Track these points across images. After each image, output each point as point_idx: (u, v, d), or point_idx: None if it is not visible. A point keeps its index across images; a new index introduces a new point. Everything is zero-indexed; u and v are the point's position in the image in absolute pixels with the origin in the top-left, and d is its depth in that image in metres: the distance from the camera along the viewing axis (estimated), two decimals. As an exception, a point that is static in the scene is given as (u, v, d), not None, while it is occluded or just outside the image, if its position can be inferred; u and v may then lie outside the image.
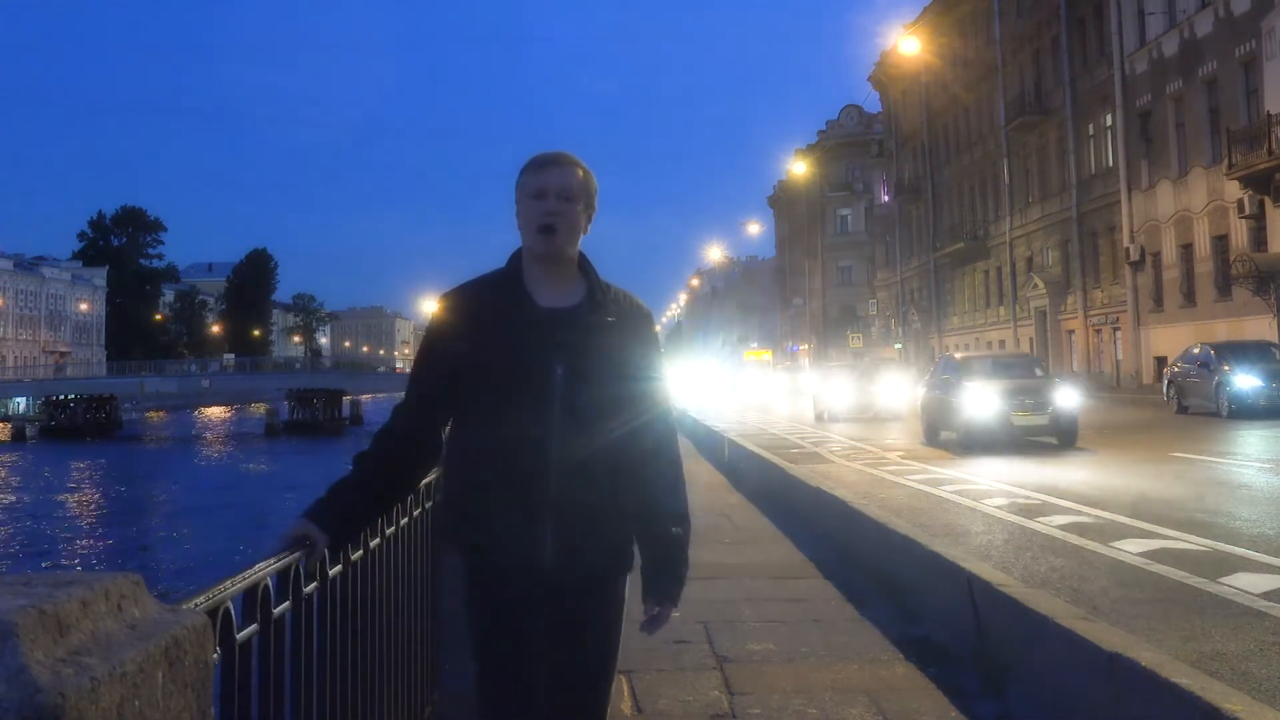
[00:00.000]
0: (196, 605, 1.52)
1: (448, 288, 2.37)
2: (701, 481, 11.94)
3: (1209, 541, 7.15)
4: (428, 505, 3.18)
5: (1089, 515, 8.56)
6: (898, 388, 24.91)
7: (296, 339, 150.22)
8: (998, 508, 9.26)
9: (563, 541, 2.18)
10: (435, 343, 2.30)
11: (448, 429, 2.34)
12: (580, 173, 2.28)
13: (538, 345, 2.19)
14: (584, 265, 2.32)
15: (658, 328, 2.49)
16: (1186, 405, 21.27)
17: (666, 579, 2.30)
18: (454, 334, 2.25)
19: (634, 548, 2.31)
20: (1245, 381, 19.52)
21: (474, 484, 2.23)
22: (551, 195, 2.23)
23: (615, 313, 2.28)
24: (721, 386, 57.15)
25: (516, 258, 2.30)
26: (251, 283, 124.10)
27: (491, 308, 2.24)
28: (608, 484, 2.22)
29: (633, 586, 2.35)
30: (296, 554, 2.03)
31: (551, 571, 2.19)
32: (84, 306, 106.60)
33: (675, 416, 2.40)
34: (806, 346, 75.53)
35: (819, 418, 24.54)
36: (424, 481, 3.10)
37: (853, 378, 25.75)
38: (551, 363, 2.18)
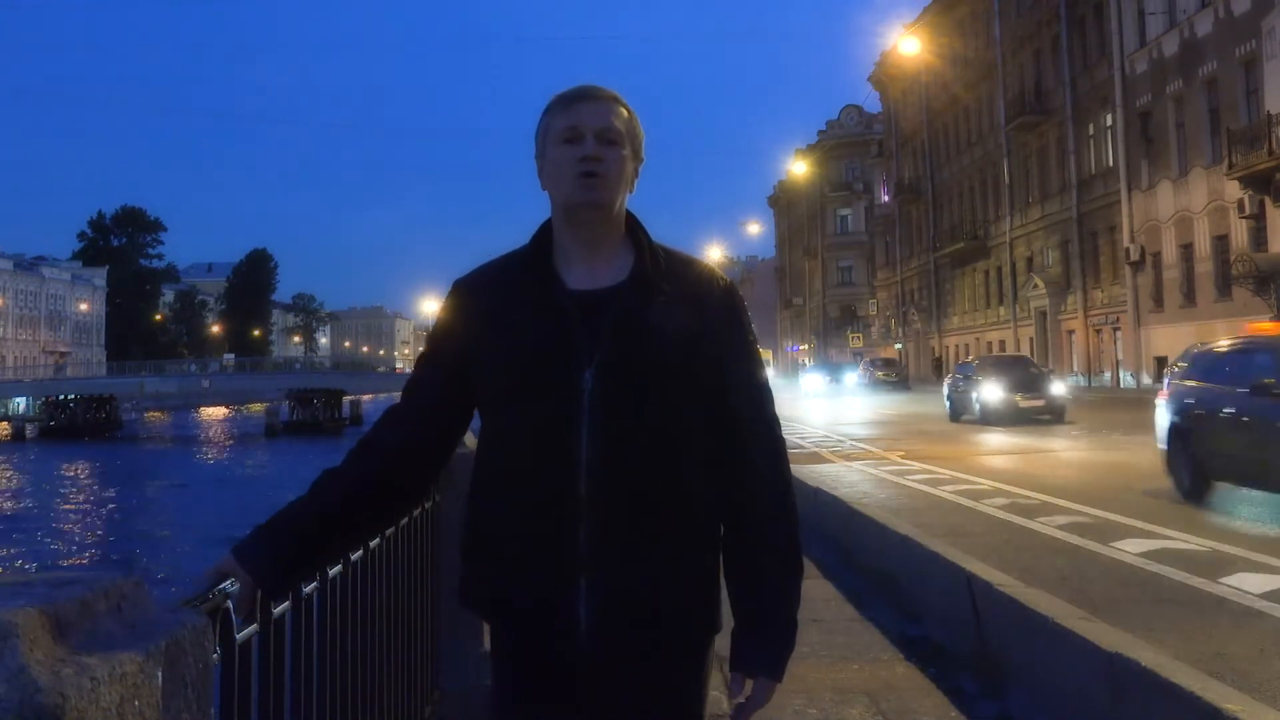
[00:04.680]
0: (196, 605, 1.52)
1: (457, 277, 1.86)
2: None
3: (1209, 541, 7.14)
4: (427, 505, 3.17)
5: (1089, 515, 8.56)
6: None
7: (296, 339, 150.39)
8: (998, 508, 9.25)
9: (601, 605, 1.66)
10: (438, 340, 1.82)
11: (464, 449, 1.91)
12: (623, 111, 1.77)
13: (560, 340, 1.68)
14: (634, 230, 1.78)
15: None
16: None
17: (764, 644, 1.73)
18: (460, 329, 1.76)
19: (718, 603, 1.76)
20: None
21: (490, 527, 1.74)
22: (589, 136, 1.72)
23: (675, 286, 1.72)
24: None
25: (544, 231, 1.79)
26: (251, 283, 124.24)
27: (507, 293, 1.74)
28: (667, 522, 1.68)
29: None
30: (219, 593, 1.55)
31: (590, 642, 1.67)
32: (84, 306, 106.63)
33: (778, 422, 1.81)
34: (806, 346, 75.54)
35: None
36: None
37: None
38: (579, 364, 1.67)
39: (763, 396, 1.78)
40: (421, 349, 1.87)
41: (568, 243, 1.76)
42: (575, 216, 1.74)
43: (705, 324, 1.72)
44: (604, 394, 1.66)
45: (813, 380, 47.29)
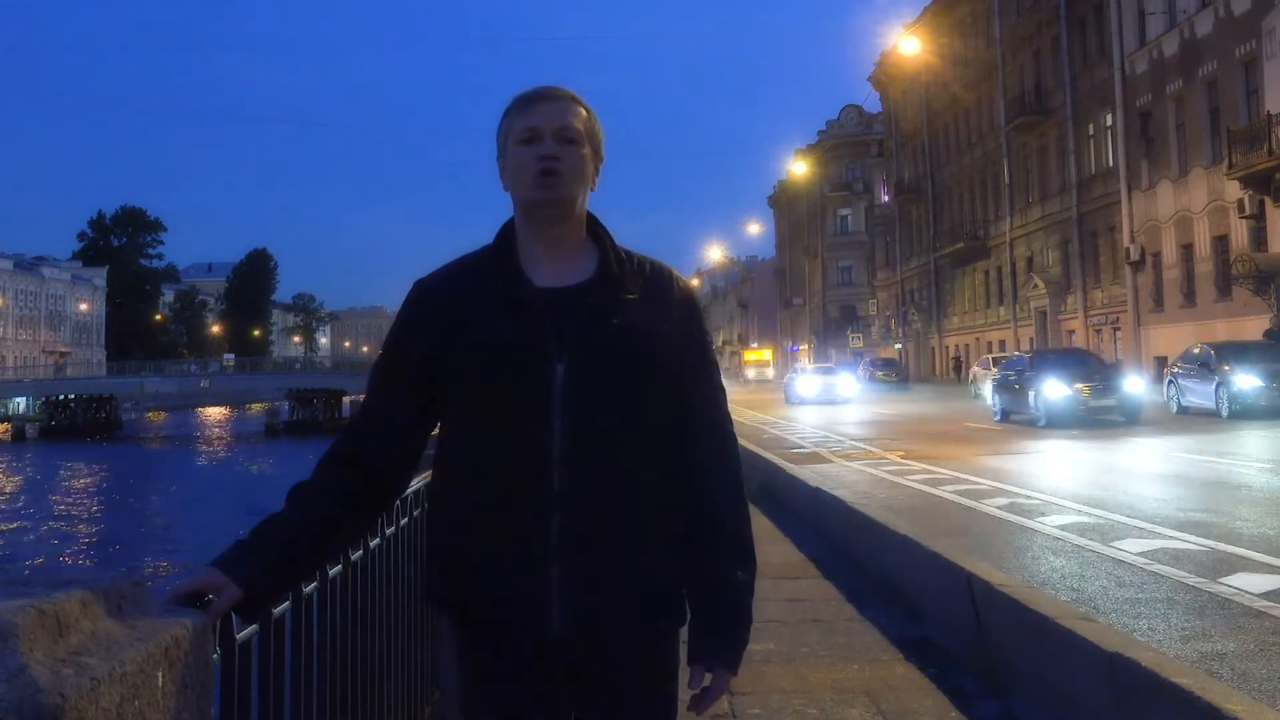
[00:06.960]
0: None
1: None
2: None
3: (1209, 541, 7.14)
4: (427, 505, 3.17)
5: (1089, 515, 8.56)
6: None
7: (296, 339, 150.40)
8: (998, 508, 9.25)
9: (574, 599, 1.67)
10: (402, 342, 1.79)
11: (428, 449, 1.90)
12: (582, 110, 1.79)
13: (531, 337, 1.69)
14: (596, 230, 1.81)
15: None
16: (1186, 405, 21.27)
17: (721, 637, 1.74)
18: (425, 329, 1.75)
19: (683, 594, 1.79)
20: (1245, 381, 19.49)
21: (457, 526, 1.74)
22: (548, 136, 1.74)
23: (638, 287, 1.75)
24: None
25: (507, 230, 1.81)
26: (251, 283, 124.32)
27: (474, 292, 1.74)
28: (635, 516, 1.70)
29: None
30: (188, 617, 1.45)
31: (563, 639, 1.69)
32: (84, 306, 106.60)
33: (731, 421, 1.86)
34: (806, 346, 75.52)
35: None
36: (416, 487, 3.08)
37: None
38: (549, 359, 1.68)
39: (719, 397, 1.83)
40: (383, 352, 1.84)
41: (530, 242, 1.78)
42: (535, 214, 1.76)
43: (668, 325, 1.76)
44: (575, 388, 1.68)
45: (1055, 388, 19.78)
